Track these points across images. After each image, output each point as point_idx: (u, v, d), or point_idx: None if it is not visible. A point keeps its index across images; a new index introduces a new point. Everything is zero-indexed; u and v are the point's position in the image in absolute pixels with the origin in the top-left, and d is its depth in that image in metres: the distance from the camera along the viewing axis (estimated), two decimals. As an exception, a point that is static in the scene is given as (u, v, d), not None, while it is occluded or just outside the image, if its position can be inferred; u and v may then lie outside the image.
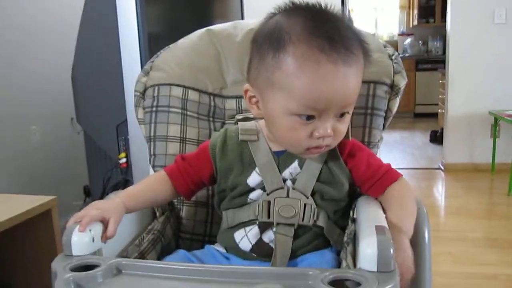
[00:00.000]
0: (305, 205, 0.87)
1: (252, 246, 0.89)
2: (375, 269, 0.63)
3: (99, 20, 1.80)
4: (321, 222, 0.88)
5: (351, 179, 0.92)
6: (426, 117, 6.76)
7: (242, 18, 2.92)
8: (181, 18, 2.02)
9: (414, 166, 4.47)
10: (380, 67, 1.06)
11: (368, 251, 0.64)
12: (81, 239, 0.74)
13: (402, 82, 1.06)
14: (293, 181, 0.89)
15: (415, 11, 7.61)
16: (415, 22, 7.62)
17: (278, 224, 0.87)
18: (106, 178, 1.81)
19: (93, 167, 1.96)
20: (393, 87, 1.05)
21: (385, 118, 1.06)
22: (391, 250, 0.63)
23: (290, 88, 0.78)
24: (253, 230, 0.90)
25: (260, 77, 0.83)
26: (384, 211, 0.85)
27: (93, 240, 0.76)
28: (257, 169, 0.90)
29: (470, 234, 2.74)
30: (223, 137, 0.96)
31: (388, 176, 0.90)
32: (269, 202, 0.88)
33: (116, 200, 0.85)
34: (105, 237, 0.78)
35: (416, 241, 0.85)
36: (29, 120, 2.50)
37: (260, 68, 0.82)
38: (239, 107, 1.14)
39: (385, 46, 1.11)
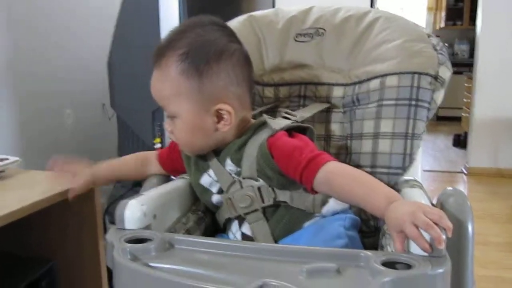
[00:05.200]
0: (259, 188, 0.89)
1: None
2: (427, 254, 0.63)
3: (139, 6, 1.82)
4: (281, 197, 0.89)
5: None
6: (449, 120, 6.68)
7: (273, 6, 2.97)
8: (220, 5, 2.02)
9: (436, 168, 4.43)
10: (424, 58, 1.02)
11: (421, 236, 0.64)
12: (133, 214, 0.77)
13: (447, 73, 1.03)
14: (239, 173, 0.91)
15: (443, 13, 7.52)
16: (442, 24, 7.53)
17: (246, 214, 0.90)
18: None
19: (125, 152, 1.97)
20: (437, 78, 1.02)
21: (429, 110, 1.03)
22: (443, 235, 0.63)
23: None
24: (234, 227, 0.93)
25: None
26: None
27: (144, 215, 0.78)
28: (210, 171, 0.94)
29: (493, 238, 2.72)
30: None
31: (312, 165, 0.82)
32: (230, 199, 0.91)
33: (89, 170, 1.04)
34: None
35: (458, 236, 0.83)
36: (64, 104, 2.59)
37: None
38: (276, 94, 1.13)
39: (429, 36, 1.07)
